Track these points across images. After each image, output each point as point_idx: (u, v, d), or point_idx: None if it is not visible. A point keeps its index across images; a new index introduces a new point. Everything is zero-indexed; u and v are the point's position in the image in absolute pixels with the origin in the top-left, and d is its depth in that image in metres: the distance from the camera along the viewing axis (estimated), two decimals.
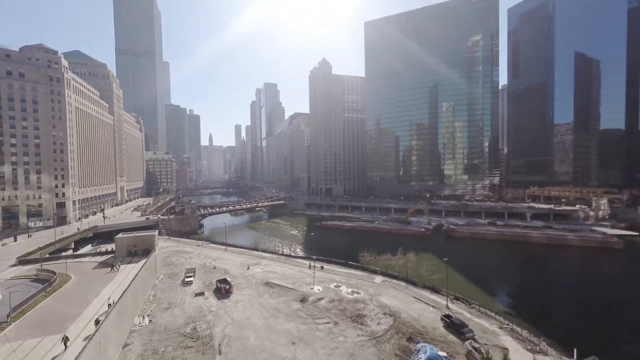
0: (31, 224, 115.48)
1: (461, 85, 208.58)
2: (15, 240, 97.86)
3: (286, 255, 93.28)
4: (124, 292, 46.57)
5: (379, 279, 68.80)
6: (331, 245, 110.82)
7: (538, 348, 41.43)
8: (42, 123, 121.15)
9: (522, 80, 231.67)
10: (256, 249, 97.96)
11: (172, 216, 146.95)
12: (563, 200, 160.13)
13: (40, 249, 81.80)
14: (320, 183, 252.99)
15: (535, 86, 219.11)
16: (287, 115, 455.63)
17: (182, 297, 59.24)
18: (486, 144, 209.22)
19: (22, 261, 74.24)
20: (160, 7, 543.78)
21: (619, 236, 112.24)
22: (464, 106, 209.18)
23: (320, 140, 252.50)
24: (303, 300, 57.25)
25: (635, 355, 46.00)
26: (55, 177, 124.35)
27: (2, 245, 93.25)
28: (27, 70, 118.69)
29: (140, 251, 74.41)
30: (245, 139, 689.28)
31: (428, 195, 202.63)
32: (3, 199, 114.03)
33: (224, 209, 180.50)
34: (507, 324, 47.92)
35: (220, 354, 40.33)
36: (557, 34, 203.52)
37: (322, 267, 75.96)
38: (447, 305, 54.62)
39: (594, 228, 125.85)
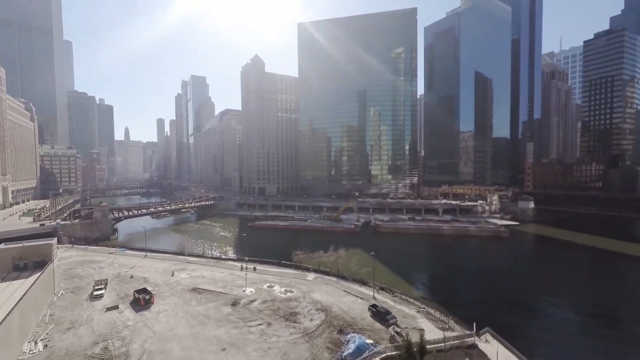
0: None
1: (386, 92, 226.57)
2: None
3: (216, 258, 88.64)
4: (7, 315, 38.35)
5: (311, 276, 70.39)
6: (264, 246, 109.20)
7: (447, 326, 47.66)
8: None
9: (436, 92, 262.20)
10: (182, 254, 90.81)
11: (76, 221, 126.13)
12: (466, 197, 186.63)
13: None
14: (253, 182, 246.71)
15: (446, 98, 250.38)
16: (217, 111, 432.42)
17: (89, 313, 51.55)
18: (407, 147, 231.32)
19: None
20: None
21: (506, 226, 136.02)
22: (389, 112, 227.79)
23: (253, 138, 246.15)
24: (234, 303, 55.25)
25: (516, 323, 56.41)
26: None
27: None
28: None
29: (31, 264, 62.00)
30: (169, 134, 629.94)
31: (357, 194, 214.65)
32: None
33: (144, 211, 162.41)
34: (423, 308, 53.96)
35: None
36: (461, 54, 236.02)
37: (254, 269, 74.35)
38: (373, 295, 58.83)
39: (488, 220, 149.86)
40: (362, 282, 65.39)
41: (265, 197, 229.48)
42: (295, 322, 48.85)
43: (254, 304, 55.00)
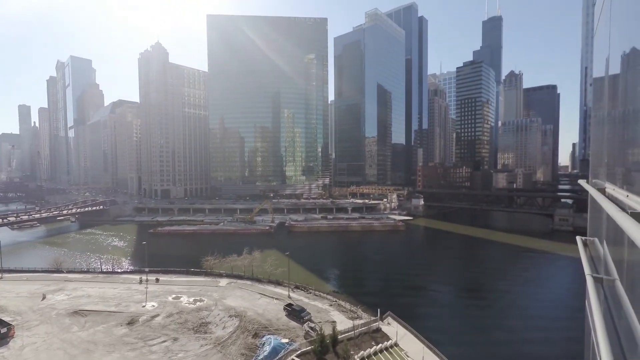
0: None
1: (300, 95, 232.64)
2: None
3: (107, 272, 75.97)
4: None
5: (224, 281, 67.05)
6: (170, 254, 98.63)
7: (356, 315, 51.86)
8: None
9: (344, 99, 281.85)
10: (59, 271, 74.82)
11: None
12: (371, 195, 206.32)
13: None
14: (155, 184, 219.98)
15: (353, 105, 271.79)
16: (107, 101, 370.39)
17: None
18: (319, 149, 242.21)
19: None
20: None
21: (402, 221, 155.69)
22: (303, 115, 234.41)
23: (155, 134, 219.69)
24: (131, 322, 48.37)
25: (411, 304, 65.31)
26: None
27: None
28: None
29: None
30: (38, 125, 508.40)
31: (272, 194, 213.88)
32: None
33: None
34: (335, 301, 57.42)
35: None
36: (366, 66, 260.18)
37: (157, 280, 66.55)
38: (289, 295, 59.63)
39: (389, 216, 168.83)
40: (278, 283, 65.56)
41: (170, 200, 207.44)
42: (206, 332, 45.76)
43: (157, 320, 49.23)
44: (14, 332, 44.32)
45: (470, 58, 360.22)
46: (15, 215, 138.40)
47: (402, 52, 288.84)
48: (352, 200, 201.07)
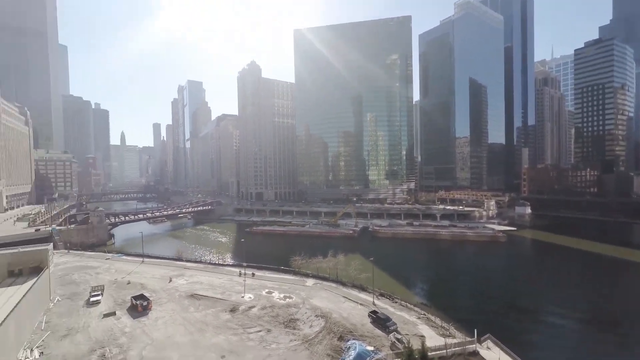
0: None
1: (382, 98, 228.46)
2: None
3: (214, 264, 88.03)
4: (2, 322, 37.70)
5: (310, 282, 70.07)
6: (263, 251, 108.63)
7: (448, 332, 47.57)
8: None
9: (431, 98, 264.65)
10: (180, 259, 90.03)
11: (72, 226, 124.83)
12: (464, 202, 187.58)
13: None
14: (250, 187, 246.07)
15: (441, 104, 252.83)
16: (214, 116, 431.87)
17: (86, 320, 50.78)
18: (404, 152, 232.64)
19: None
20: None
21: (503, 231, 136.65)
22: (385, 117, 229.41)
23: (250, 143, 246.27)
24: (233, 310, 54.77)
25: (517, 329, 56.48)
26: None
27: None
28: None
29: (26, 270, 61.08)
30: (165, 139, 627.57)
31: (355, 199, 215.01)
32: None
33: (141, 216, 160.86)
34: (424, 314, 53.85)
35: None
36: (456, 61, 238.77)
37: (253, 274, 73.85)
38: (373, 301, 58.63)
39: (486, 225, 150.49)
40: (362, 288, 65.18)
41: (262, 202, 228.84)
42: (295, 328, 48.50)
43: (253, 310, 54.56)
44: (152, 306, 55.19)
45: (594, 36, 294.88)
46: (151, 212, 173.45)
47: (500, 40, 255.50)
48: (441, 206, 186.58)
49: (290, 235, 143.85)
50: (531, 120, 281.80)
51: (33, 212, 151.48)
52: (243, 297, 60.63)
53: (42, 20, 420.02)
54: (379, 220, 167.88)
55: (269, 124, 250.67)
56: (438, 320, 51.14)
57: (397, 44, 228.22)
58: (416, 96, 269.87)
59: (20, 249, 67.52)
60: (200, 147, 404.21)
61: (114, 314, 52.86)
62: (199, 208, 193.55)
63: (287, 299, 59.33)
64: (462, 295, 75.74)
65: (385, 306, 57.06)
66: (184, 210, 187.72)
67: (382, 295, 62.03)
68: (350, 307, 56.62)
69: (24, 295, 47.23)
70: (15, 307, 42.52)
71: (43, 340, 44.10)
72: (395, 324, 48.27)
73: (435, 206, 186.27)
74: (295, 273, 75.37)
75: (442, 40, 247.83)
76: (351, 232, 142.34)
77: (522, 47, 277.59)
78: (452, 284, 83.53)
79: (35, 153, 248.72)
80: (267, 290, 64.12)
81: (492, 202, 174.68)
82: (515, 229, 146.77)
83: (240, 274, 73.63)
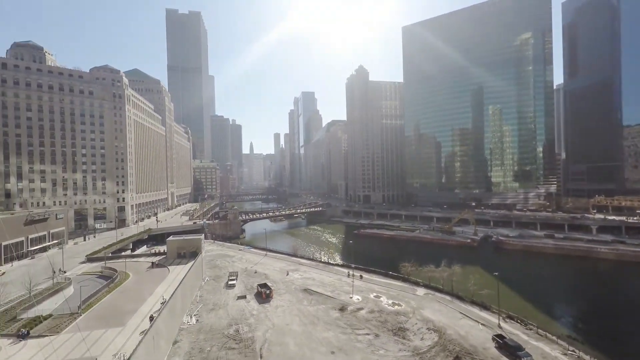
0: (97, 226, 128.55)
1: (509, 87, 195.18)
2: (84, 240, 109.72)
3: (324, 262, 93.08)
4: (174, 292, 49.58)
5: (421, 291, 65.73)
6: (370, 254, 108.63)
7: None
8: (106, 135, 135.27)
9: (582, 79, 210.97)
10: (295, 255, 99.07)
11: (216, 221, 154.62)
12: (638, 211, 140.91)
13: (104, 248, 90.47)
14: (358, 190, 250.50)
15: (598, 84, 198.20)
16: (324, 122, 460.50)
17: (225, 299, 61.54)
18: (540, 149, 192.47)
19: (90, 259, 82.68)
20: (206, 24, 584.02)
21: None
22: (513, 109, 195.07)
23: (357, 146, 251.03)
24: (342, 309, 56.43)
25: None
26: (117, 184, 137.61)
27: (75, 244, 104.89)
28: (95, 88, 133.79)
29: (188, 253, 78.93)
30: (284, 147, 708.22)
31: (474, 204, 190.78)
32: (75, 203, 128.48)
33: (264, 215, 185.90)
34: (573, 351, 42.75)
35: (261, 358, 40.98)
36: (623, 26, 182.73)
37: (361, 276, 74.50)
38: (498, 324, 50.35)
39: None
40: (483, 306, 56.92)
41: (370, 205, 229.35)
42: (404, 338, 46.27)
43: (361, 312, 54.86)
44: (273, 294, 62.54)
45: None
46: (272, 211, 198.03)
47: None
48: (599, 215, 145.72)
49: (399, 240, 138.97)
50: None
51: (192, 209, 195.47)
52: (351, 297, 61.79)
53: (198, 59, 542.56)
54: (504, 229, 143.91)
55: (376, 126, 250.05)
56: None
57: (529, 19, 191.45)
58: (557, 79, 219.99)
59: (185, 237, 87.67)
60: (313, 152, 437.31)
61: (245, 297, 62.30)
62: (311, 209, 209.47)
63: (396, 306, 57.23)
64: (634, 334, 56.65)
65: (515, 332, 48.14)
66: (298, 211, 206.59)
67: (510, 317, 52.64)
68: (468, 325, 50.21)
69: (187, 273, 61.06)
70: (182, 281, 55.41)
71: (198, 310, 55.76)
72: (530, 355, 40.06)
73: (589, 215, 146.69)
74: (404, 280, 72.13)
75: (599, 3, 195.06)
76: (469, 241, 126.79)
77: None
78: (618, 318, 63.61)
79: (192, 162, 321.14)
80: (374, 294, 63.52)
81: None
82: None
83: (348, 275, 75.45)
